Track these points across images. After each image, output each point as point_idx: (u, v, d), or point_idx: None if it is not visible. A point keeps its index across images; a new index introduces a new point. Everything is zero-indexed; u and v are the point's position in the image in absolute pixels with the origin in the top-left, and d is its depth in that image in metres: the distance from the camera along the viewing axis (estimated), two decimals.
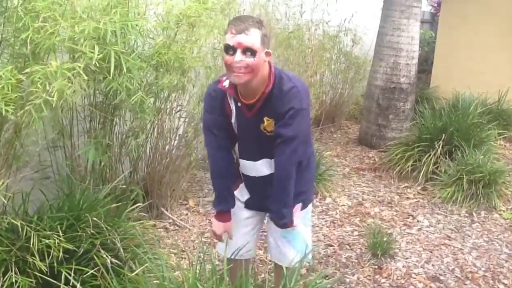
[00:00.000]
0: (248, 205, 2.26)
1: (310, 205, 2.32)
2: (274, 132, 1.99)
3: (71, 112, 2.98)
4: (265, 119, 1.98)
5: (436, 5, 9.46)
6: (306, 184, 2.22)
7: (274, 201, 2.07)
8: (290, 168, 2.02)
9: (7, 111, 1.98)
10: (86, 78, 2.25)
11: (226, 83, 1.99)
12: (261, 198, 2.18)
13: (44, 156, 2.96)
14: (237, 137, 2.12)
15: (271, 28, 4.98)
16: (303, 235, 2.25)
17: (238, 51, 1.81)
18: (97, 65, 2.32)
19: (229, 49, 1.83)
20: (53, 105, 2.09)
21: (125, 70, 2.52)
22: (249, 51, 1.81)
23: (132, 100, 2.68)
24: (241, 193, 2.26)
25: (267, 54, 1.90)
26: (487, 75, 6.60)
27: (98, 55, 2.28)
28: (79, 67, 2.15)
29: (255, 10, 4.90)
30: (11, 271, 2.05)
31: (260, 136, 2.03)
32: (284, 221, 2.09)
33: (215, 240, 3.39)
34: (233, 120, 2.05)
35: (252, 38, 1.81)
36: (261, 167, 2.12)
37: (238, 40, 1.81)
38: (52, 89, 2.03)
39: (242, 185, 2.25)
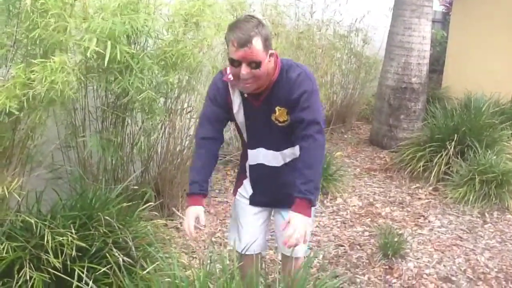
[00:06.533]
0: (252, 201, 2.27)
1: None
2: (292, 120, 1.98)
3: (83, 113, 3.01)
4: (277, 108, 1.99)
5: (448, 4, 9.39)
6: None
7: (305, 180, 1.91)
8: (318, 151, 1.95)
9: (10, 106, 2.02)
10: (83, 72, 2.27)
11: (231, 76, 2.00)
12: (265, 193, 2.21)
13: (58, 156, 3.00)
14: (241, 129, 2.14)
15: (282, 26, 4.99)
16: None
17: (243, 64, 1.84)
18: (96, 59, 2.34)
19: (234, 62, 1.85)
20: (42, 94, 2.10)
21: (135, 70, 2.54)
22: (254, 63, 1.83)
23: (140, 97, 2.70)
24: (246, 190, 2.28)
25: (271, 54, 1.91)
26: (500, 74, 6.53)
27: (96, 46, 2.30)
28: (73, 60, 2.18)
29: (267, 10, 4.91)
30: (26, 267, 2.08)
31: (269, 126, 2.03)
32: (311, 197, 1.92)
33: (226, 240, 3.42)
34: (235, 110, 2.07)
35: (255, 50, 1.81)
36: (267, 157, 2.13)
37: (242, 55, 1.81)
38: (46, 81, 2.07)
39: (246, 181, 2.27)
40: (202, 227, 2.02)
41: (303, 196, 1.90)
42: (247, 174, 2.27)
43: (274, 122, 2.02)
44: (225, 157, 4.71)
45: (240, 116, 2.10)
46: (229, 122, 2.23)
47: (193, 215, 2.02)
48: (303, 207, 1.90)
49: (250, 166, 2.22)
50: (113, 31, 2.43)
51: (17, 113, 2.08)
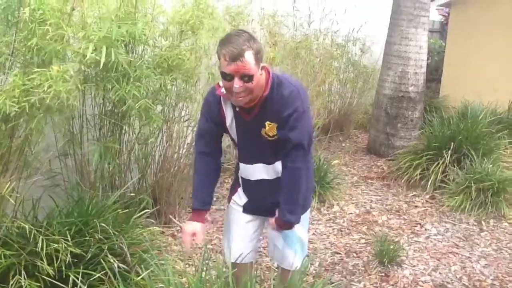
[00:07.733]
0: (246, 209, 2.28)
1: (308, 209, 2.35)
2: (279, 137, 2.01)
3: (81, 121, 3.04)
4: (266, 123, 2.01)
5: (446, 15, 9.45)
6: (307, 192, 2.24)
7: (287, 202, 2.06)
8: (304, 172, 2.03)
9: (12, 105, 2.04)
10: (80, 78, 2.29)
11: (224, 89, 2.01)
12: (259, 202, 2.23)
13: (55, 164, 3.02)
14: (235, 141, 2.16)
15: (280, 36, 5.04)
16: (299, 235, 2.27)
17: (236, 78, 1.85)
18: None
19: (226, 76, 1.86)
20: (47, 101, 2.13)
21: (132, 78, 2.57)
22: (246, 76, 1.85)
23: (137, 106, 2.73)
24: (240, 197, 2.30)
25: (262, 68, 1.93)
26: (497, 84, 6.57)
27: (93, 53, 2.34)
28: (73, 68, 2.21)
29: (264, 20, 4.96)
30: (20, 275, 2.09)
31: (260, 141, 2.05)
32: (293, 219, 2.09)
33: (221, 247, 3.43)
34: (228, 123, 2.09)
35: (247, 63, 1.82)
36: (259, 172, 2.15)
37: (234, 68, 1.82)
38: (50, 89, 2.09)
39: (240, 189, 2.29)
40: (200, 243, 2.13)
41: (284, 219, 2.07)
42: (241, 184, 2.29)
43: (264, 136, 2.04)
44: (222, 165, 4.70)
45: (232, 129, 2.12)
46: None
47: (189, 231, 2.11)
48: (280, 225, 2.12)
49: (243, 179, 2.24)
50: (109, 36, 2.46)
51: (15, 111, 2.09)
